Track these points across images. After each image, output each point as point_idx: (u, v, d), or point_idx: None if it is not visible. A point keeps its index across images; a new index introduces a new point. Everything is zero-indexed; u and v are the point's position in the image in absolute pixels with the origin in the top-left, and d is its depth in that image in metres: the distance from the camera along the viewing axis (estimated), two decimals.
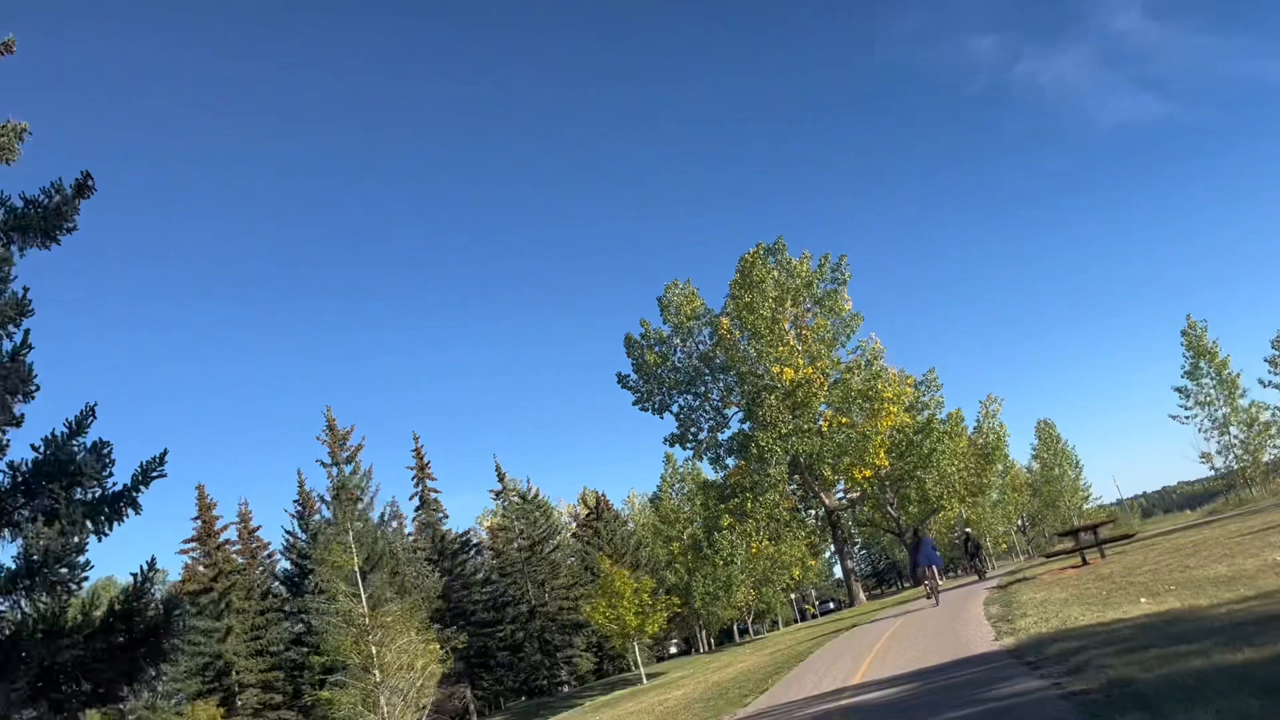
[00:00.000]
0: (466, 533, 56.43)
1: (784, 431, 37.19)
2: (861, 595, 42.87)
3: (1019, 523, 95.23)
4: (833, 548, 46.18)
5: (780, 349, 38.43)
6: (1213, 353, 44.53)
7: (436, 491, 56.42)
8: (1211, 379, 44.61)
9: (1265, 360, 42.16)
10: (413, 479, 55.86)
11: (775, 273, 41.98)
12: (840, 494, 46.11)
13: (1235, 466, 43.84)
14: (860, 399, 40.32)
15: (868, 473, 39.24)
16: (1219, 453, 44.66)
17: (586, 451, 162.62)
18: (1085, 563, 23.96)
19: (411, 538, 54.49)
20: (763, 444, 36.41)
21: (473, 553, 56.55)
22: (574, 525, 78.36)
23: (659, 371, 43.60)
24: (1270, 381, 42.02)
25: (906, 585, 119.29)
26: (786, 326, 41.54)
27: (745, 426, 40.60)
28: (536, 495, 63.24)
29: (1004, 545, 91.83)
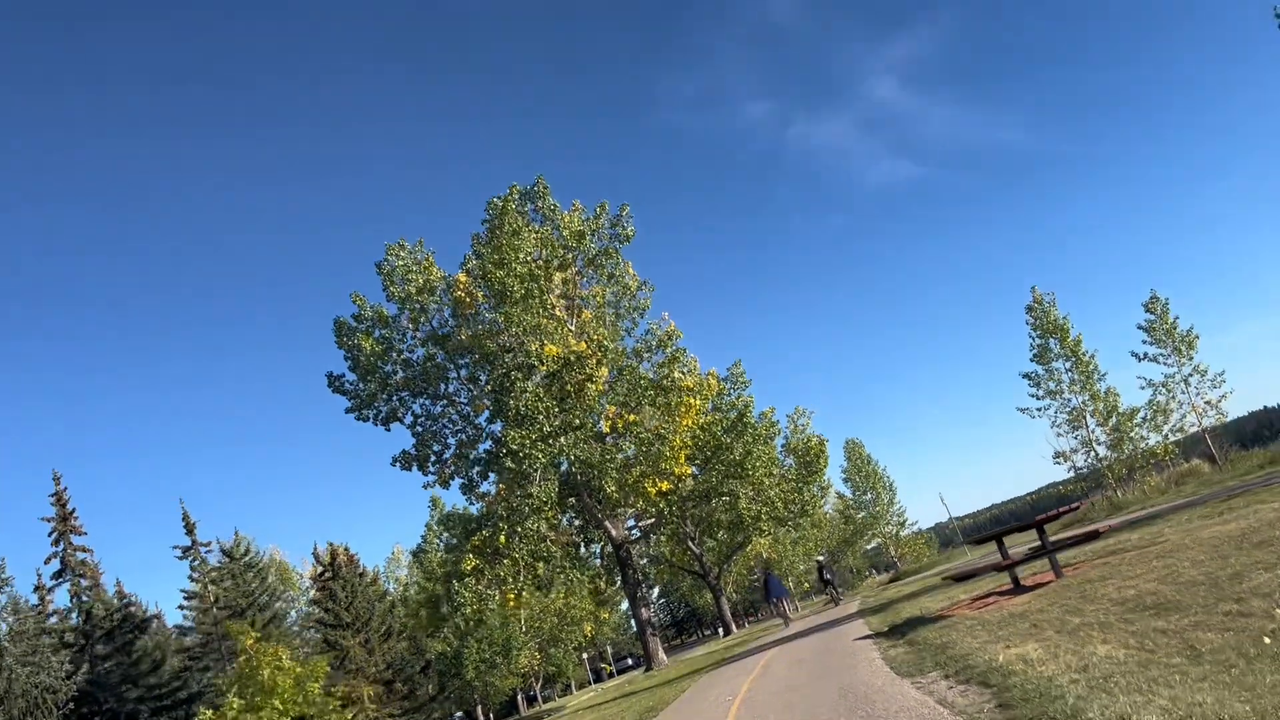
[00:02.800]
0: (126, 604, 41.97)
1: (547, 430, 26.68)
2: (661, 654, 32.64)
3: (815, 561, 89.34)
4: (624, 593, 35.53)
5: (541, 317, 28.03)
6: (1063, 329, 37.86)
7: (87, 551, 42.05)
8: (1065, 362, 37.87)
9: (1139, 326, 35.76)
10: (50, 535, 41.33)
11: (535, 228, 31.70)
12: (631, 524, 35.95)
13: (1098, 465, 37.05)
14: (652, 391, 30.46)
15: (665, 486, 29.31)
16: (1076, 450, 37.79)
17: (336, 500, 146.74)
18: (1019, 587, 14.88)
19: (50, 616, 39.96)
20: (515, 447, 25.76)
21: (140, 631, 42.11)
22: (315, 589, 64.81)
23: (382, 366, 32.24)
24: (1145, 353, 35.64)
25: (707, 634, 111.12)
26: (552, 295, 31.23)
27: (495, 428, 29.93)
28: (247, 551, 49.64)
29: (806, 585, 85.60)
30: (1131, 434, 36.50)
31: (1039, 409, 38.93)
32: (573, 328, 30.57)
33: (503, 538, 27.88)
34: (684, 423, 31.85)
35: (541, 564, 29.60)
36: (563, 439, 27.82)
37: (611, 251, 32.59)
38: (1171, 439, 36.20)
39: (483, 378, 29.25)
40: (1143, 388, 35.85)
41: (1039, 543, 15.75)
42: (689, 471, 30.04)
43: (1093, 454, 37.80)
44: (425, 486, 33.13)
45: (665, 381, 31.36)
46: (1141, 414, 36.73)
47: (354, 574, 56.78)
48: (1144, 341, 35.66)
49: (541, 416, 26.80)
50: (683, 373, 31.75)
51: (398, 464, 33.32)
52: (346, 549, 62.88)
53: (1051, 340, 38.47)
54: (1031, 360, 39.07)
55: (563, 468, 31.91)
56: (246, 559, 48.67)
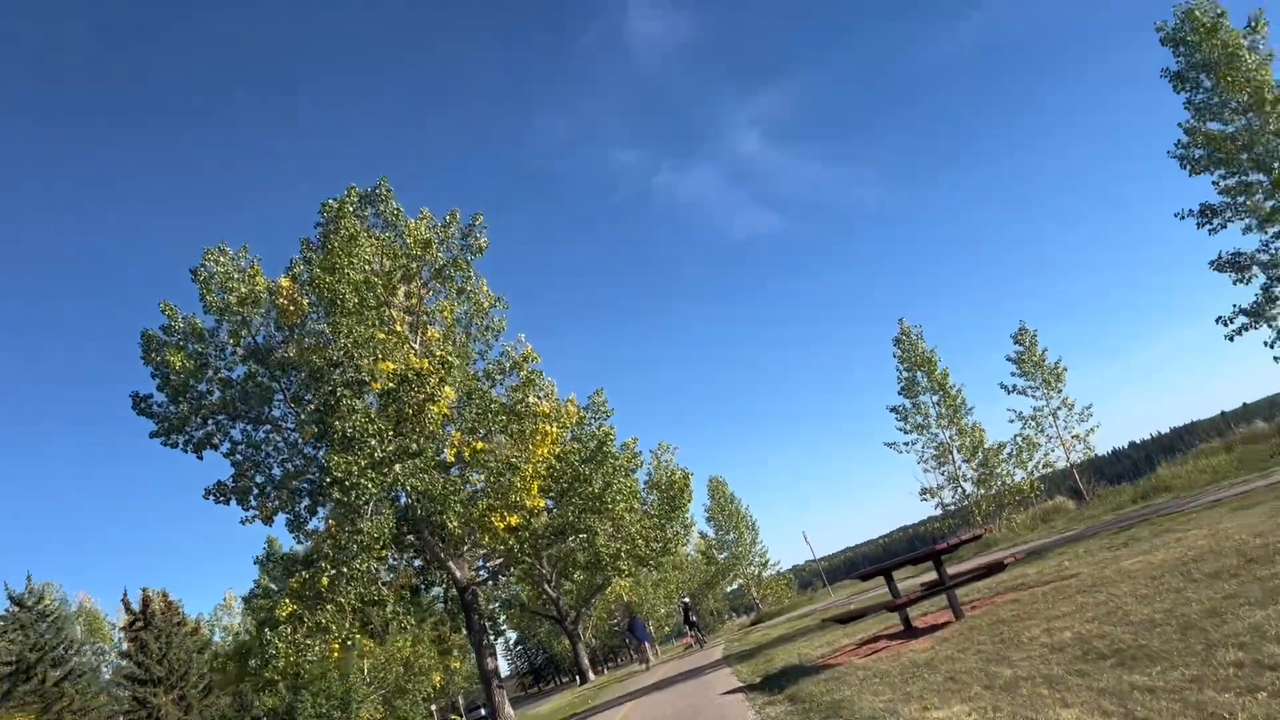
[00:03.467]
0: None
1: (379, 456, 23.54)
2: (508, 708, 29.57)
3: (679, 603, 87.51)
4: (468, 639, 32.23)
5: (377, 330, 24.96)
6: (931, 361, 36.99)
7: None
8: (932, 395, 36.96)
9: (1008, 358, 35.12)
10: None
11: (376, 234, 28.71)
12: (480, 563, 32.85)
13: (964, 502, 36.12)
14: (504, 416, 27.70)
15: (514, 520, 26.43)
16: (943, 486, 36.80)
17: (164, 542, 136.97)
18: (911, 630, 12.87)
19: None
20: (340, 475, 22.51)
21: None
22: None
23: (195, 385, 28.44)
24: (1014, 385, 34.95)
25: (565, 680, 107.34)
26: (394, 309, 28.22)
27: (318, 454, 26.54)
28: (41, 599, 43.88)
29: (666, 629, 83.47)
30: (998, 469, 35.77)
31: (906, 443, 37.94)
32: (416, 345, 27.54)
33: (325, 579, 24.41)
34: (539, 452, 29.12)
35: (374, 609, 26.23)
36: (397, 467, 24.70)
37: (462, 264, 29.79)
38: (1037, 475, 35.64)
39: (309, 398, 25.80)
40: (1011, 420, 35.25)
41: (934, 578, 13.81)
42: (542, 504, 27.29)
43: (959, 490, 36.92)
44: (244, 523, 29.14)
45: (519, 406, 28.63)
46: (1008, 449, 36.10)
47: (170, 623, 51.34)
48: (1012, 373, 35.14)
49: (373, 440, 23.65)
50: (539, 397, 29.11)
51: (211, 496, 29.43)
52: (164, 594, 57.14)
53: (919, 373, 37.64)
54: (899, 394, 38.16)
55: (401, 500, 28.70)
56: (40, 607, 43.00)
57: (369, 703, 65.89)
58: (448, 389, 26.29)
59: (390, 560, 29.56)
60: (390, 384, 24.21)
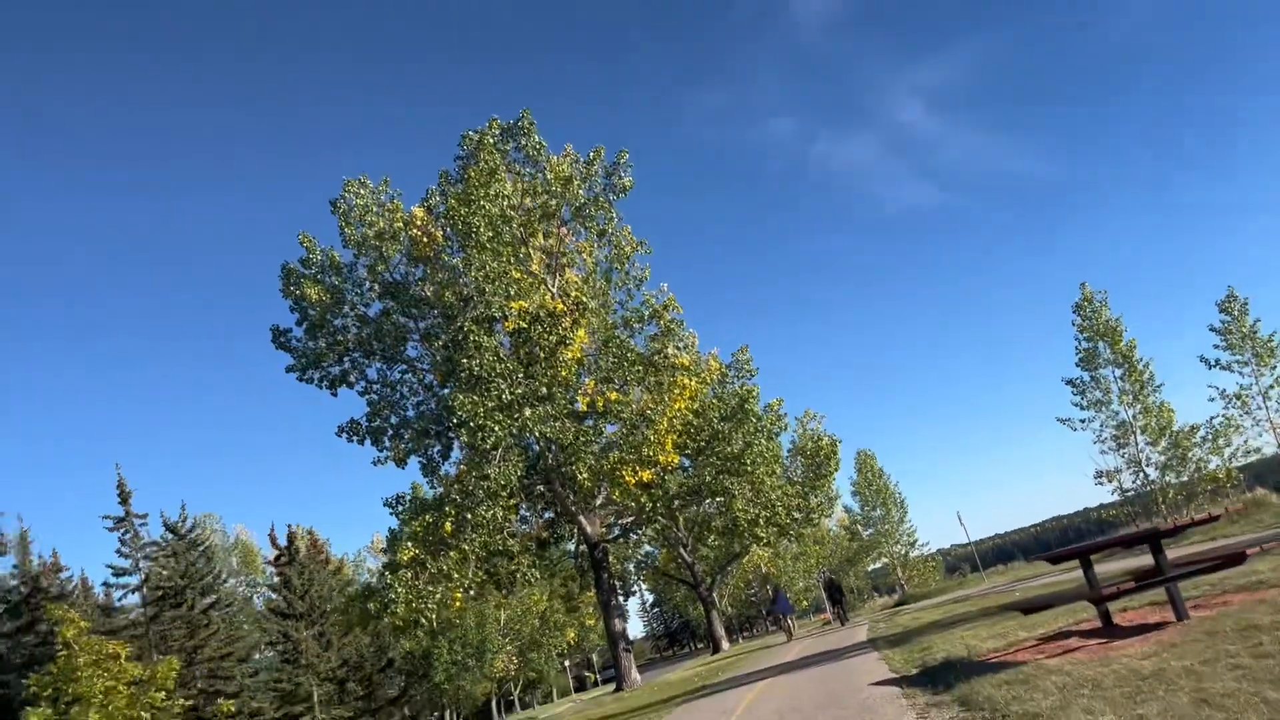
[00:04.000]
0: (33, 576, 37.60)
1: (507, 398, 22.23)
2: (635, 673, 28.15)
3: (819, 577, 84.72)
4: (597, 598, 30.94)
5: (510, 267, 23.58)
6: (1115, 331, 33.18)
7: None
8: (1115, 369, 33.19)
9: (1211, 328, 31.03)
10: None
11: (517, 168, 27.36)
12: (612, 520, 31.44)
13: (1148, 488, 32.34)
14: (640, 366, 26.02)
15: (646, 476, 24.77)
16: (1122, 469, 33.06)
17: (322, 484, 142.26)
18: (1111, 628, 10.41)
19: None
20: (465, 416, 21.29)
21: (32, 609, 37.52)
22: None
23: (332, 320, 27.90)
24: (1217, 359, 30.92)
25: (700, 646, 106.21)
26: (532, 248, 26.86)
27: (445, 391, 25.50)
28: (194, 527, 45.30)
29: (804, 603, 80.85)
30: (1190, 454, 31.79)
31: (1082, 420, 34.24)
32: (553, 288, 26.13)
33: (448, 525, 23.40)
34: (676, 406, 27.36)
35: (499, 559, 25.15)
36: (527, 411, 23.36)
37: (604, 203, 28.15)
38: (1235, 463, 31.48)
39: (441, 336, 24.74)
40: (1212, 399, 31.11)
41: (1142, 565, 11.27)
42: (677, 461, 25.53)
43: (1141, 475, 33.07)
44: (376, 463, 28.58)
45: (657, 358, 26.88)
46: (1202, 432, 32.02)
47: (315, 560, 52.47)
48: (1216, 346, 30.98)
49: (501, 381, 22.36)
50: (678, 349, 27.26)
51: (344, 434, 28.91)
52: (310, 532, 58.67)
53: (1101, 344, 33.81)
54: (1077, 365, 34.41)
55: (532, 448, 27.51)
56: (192, 535, 44.35)
57: (504, 653, 66.52)
58: (581, 333, 24.78)
59: (521, 511, 28.48)
60: (522, 323, 22.81)
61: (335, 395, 28.97)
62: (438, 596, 23.66)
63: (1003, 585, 33.82)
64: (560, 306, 23.47)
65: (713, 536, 30.86)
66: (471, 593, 25.11)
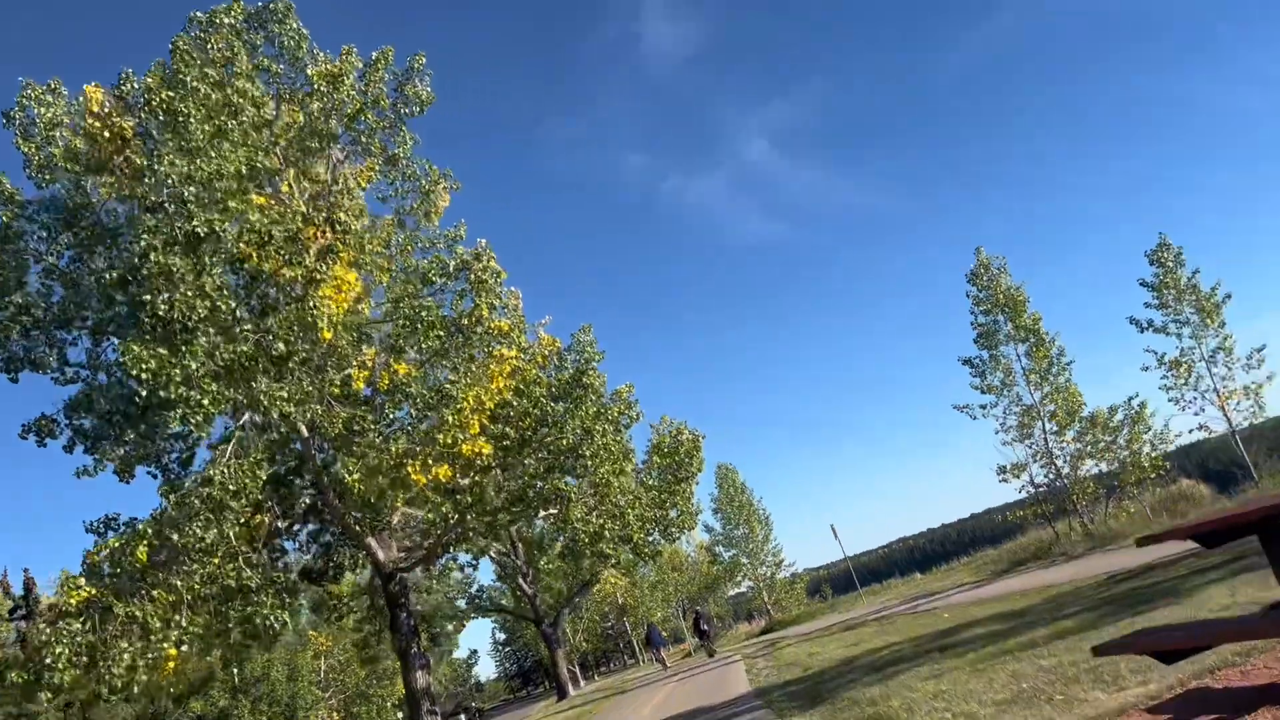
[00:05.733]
0: None
1: (225, 358, 14.84)
2: None
3: (677, 606, 78.96)
4: (397, 643, 23.24)
5: (230, 166, 16.12)
6: (1017, 302, 28.39)
7: None
8: (1016, 345, 28.28)
9: (1142, 283, 26.17)
10: None
11: (269, 64, 20.08)
12: (416, 541, 24.17)
13: (1058, 484, 27.46)
14: (440, 330, 19.02)
15: (442, 472, 17.68)
16: (1029, 462, 28.10)
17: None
18: None
19: None
20: (148, 377, 13.82)
21: None
22: None
23: (6, 275, 19.85)
24: (1149, 321, 26.16)
25: (553, 688, 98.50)
26: (290, 181, 19.54)
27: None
28: None
29: (664, 634, 74.72)
30: (1117, 439, 26.98)
31: (982, 406, 29.11)
32: (314, 212, 18.68)
33: (142, 551, 15.75)
34: (494, 385, 20.44)
35: (233, 600, 17.53)
36: (262, 381, 15.96)
37: (390, 124, 21.10)
38: (1176, 444, 26.89)
39: (117, 268, 16.86)
40: (1146, 368, 26.21)
41: None
42: (488, 452, 18.53)
43: (1052, 468, 28.09)
44: (80, 474, 20.41)
45: (465, 320, 19.91)
46: (1121, 413, 27.30)
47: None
48: (1148, 304, 26.18)
49: (214, 331, 14.95)
50: (491, 303, 20.29)
51: (31, 434, 20.61)
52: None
53: (1000, 316, 28.79)
54: (975, 343, 29.29)
55: (294, 443, 20.14)
56: None
57: (322, 708, 57.23)
58: (350, 275, 17.63)
59: (278, 530, 20.84)
60: (250, 240, 15.44)
61: (14, 380, 20.76)
62: (126, 657, 15.85)
63: (898, 604, 28.14)
64: (310, 231, 16.19)
65: (544, 558, 23.92)
66: (191, 648, 17.30)
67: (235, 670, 48.48)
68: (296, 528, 23.15)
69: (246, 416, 18.04)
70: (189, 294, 14.38)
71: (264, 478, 17.66)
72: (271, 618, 17.01)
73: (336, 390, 18.97)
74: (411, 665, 22.38)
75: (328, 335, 18.12)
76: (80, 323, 20.70)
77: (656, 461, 27.29)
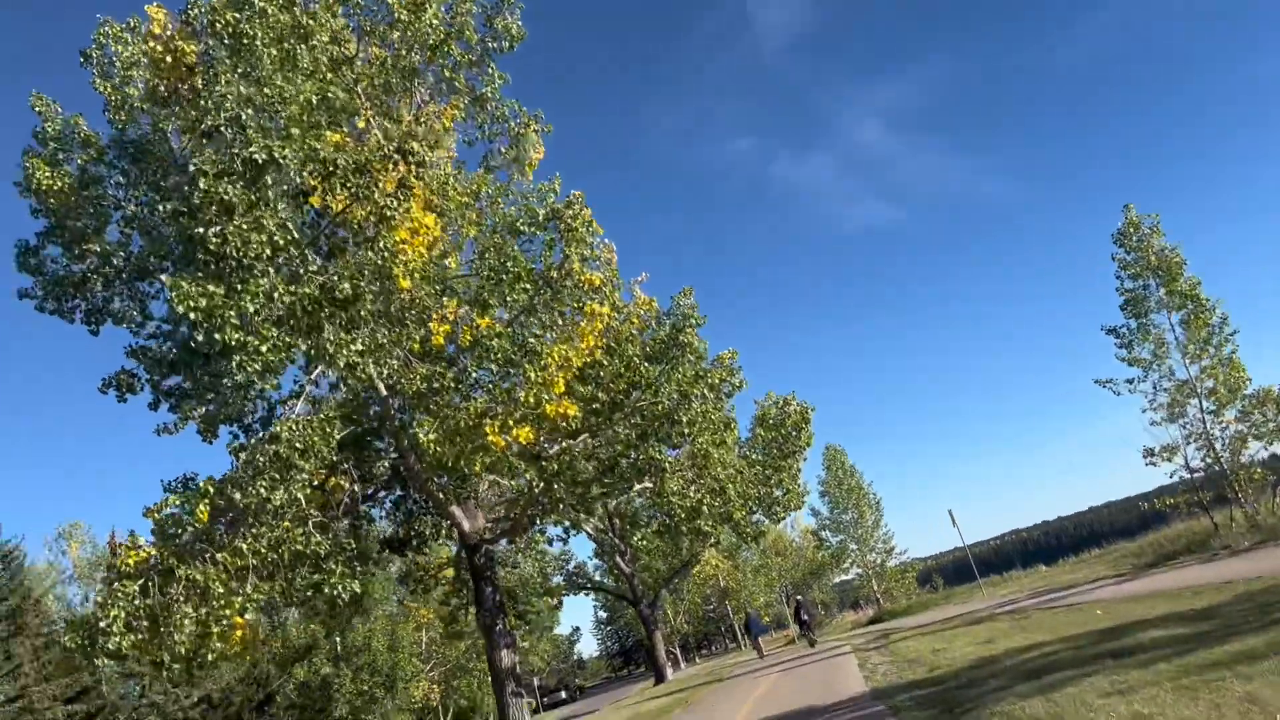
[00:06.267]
0: None
1: (285, 299, 13.45)
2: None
3: (781, 592, 76.56)
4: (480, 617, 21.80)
5: (300, 83, 14.67)
6: (1171, 266, 25.19)
7: None
8: (1170, 314, 25.19)
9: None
10: None
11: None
12: (503, 513, 22.80)
13: (1215, 469, 24.37)
14: (528, 283, 17.40)
15: (523, 434, 16.01)
16: (1180, 444, 25.00)
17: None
18: None
19: None
20: (199, 315, 12.48)
21: None
22: None
23: (84, 221, 19.06)
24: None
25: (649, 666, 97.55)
26: (368, 118, 18.10)
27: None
28: None
29: (766, 618, 72.54)
30: (1277, 420, 23.77)
31: (1128, 381, 26.10)
32: (390, 149, 17.20)
33: (202, 510, 14.59)
34: (584, 343, 18.77)
35: (299, 567, 16.33)
36: (327, 330, 14.57)
37: (475, 51, 19.49)
38: None
39: (171, 199, 15.61)
40: None
41: None
42: (574, 413, 16.83)
43: (1209, 451, 24.95)
44: (158, 432, 19.62)
45: (554, 271, 18.24)
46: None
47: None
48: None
49: (272, 270, 13.59)
50: (585, 262, 18.58)
51: (111, 389, 19.85)
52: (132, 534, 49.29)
53: (1152, 281, 25.70)
54: (1122, 310, 26.26)
55: (369, 401, 18.86)
56: None
57: (423, 679, 57.14)
58: (425, 214, 16.10)
59: (354, 495, 19.61)
60: (319, 171, 14.00)
61: (95, 334, 20.03)
62: (188, 624, 14.74)
63: (1026, 598, 25.49)
64: (381, 163, 14.63)
65: (639, 534, 22.21)
66: (255, 617, 16.17)
67: (338, 639, 48.85)
68: (381, 494, 21.98)
69: (318, 370, 16.76)
70: (244, 227, 13.01)
71: (337, 437, 16.34)
72: (340, 587, 15.68)
73: (416, 345, 17.56)
74: (496, 643, 20.96)
75: (405, 284, 16.68)
76: (160, 272, 19.81)
77: (761, 435, 25.26)
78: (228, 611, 15.02)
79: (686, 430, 18.63)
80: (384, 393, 18.11)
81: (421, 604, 50.36)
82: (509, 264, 17.91)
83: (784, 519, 26.12)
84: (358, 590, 16.15)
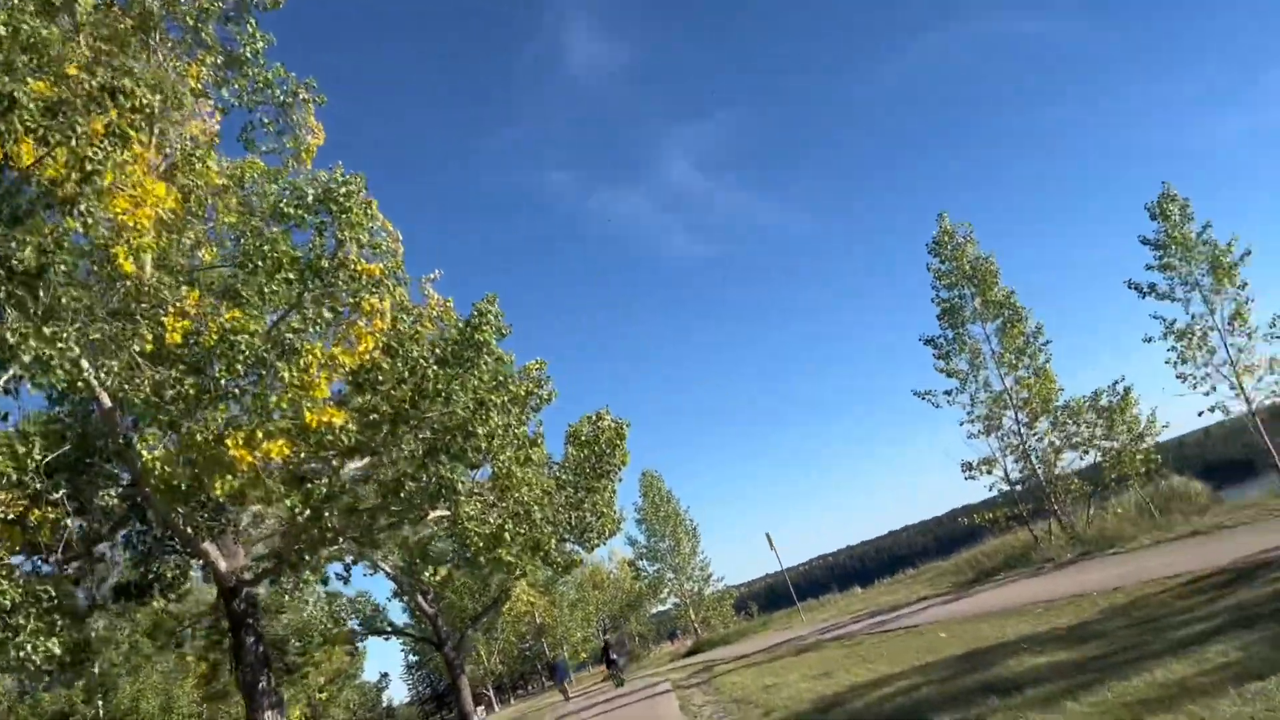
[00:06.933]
0: None
1: None
2: None
3: (600, 625, 74.52)
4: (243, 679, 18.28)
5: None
6: (986, 273, 24.84)
7: None
8: (985, 324, 24.80)
9: (1142, 240, 22.53)
10: None
11: None
12: (274, 550, 19.54)
13: (1032, 480, 23.98)
14: (292, 271, 14.50)
15: (273, 448, 13.07)
16: (1003, 456, 24.54)
17: None
18: None
19: None
20: None
21: None
22: None
23: None
24: (1153, 285, 22.63)
25: (475, 708, 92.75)
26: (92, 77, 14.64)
27: None
28: None
29: (584, 655, 70.29)
30: (1090, 431, 23.54)
31: (946, 393, 25.47)
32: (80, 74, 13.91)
33: None
34: (361, 347, 15.98)
35: None
36: (9, 313, 11.28)
37: (229, 2, 16.47)
38: (1146, 441, 23.42)
39: None
40: (1149, 339, 22.66)
41: None
42: (340, 422, 14.01)
43: (1026, 464, 24.52)
44: None
45: (322, 260, 15.36)
46: (1105, 398, 23.87)
47: None
48: (1150, 265, 22.67)
49: None
50: (363, 247, 15.83)
51: None
52: None
53: (967, 290, 25.25)
54: (939, 320, 25.67)
55: (77, 406, 15.43)
56: None
57: None
58: (154, 181, 13.01)
59: (74, 528, 15.95)
60: None
61: None
62: None
63: (851, 622, 24.22)
64: (76, 101, 11.46)
65: (428, 571, 19.39)
66: None
67: (100, 701, 42.86)
68: (115, 530, 18.25)
69: (9, 374, 13.24)
70: None
71: (36, 458, 12.92)
72: (29, 646, 12.20)
73: (149, 345, 14.26)
74: (259, 704, 17.58)
75: (129, 268, 13.47)
76: None
77: (573, 454, 22.97)
78: None
79: (484, 444, 16.08)
80: (108, 403, 14.70)
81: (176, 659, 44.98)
82: (267, 249, 14.95)
83: (599, 546, 23.82)
84: (55, 650, 12.66)
